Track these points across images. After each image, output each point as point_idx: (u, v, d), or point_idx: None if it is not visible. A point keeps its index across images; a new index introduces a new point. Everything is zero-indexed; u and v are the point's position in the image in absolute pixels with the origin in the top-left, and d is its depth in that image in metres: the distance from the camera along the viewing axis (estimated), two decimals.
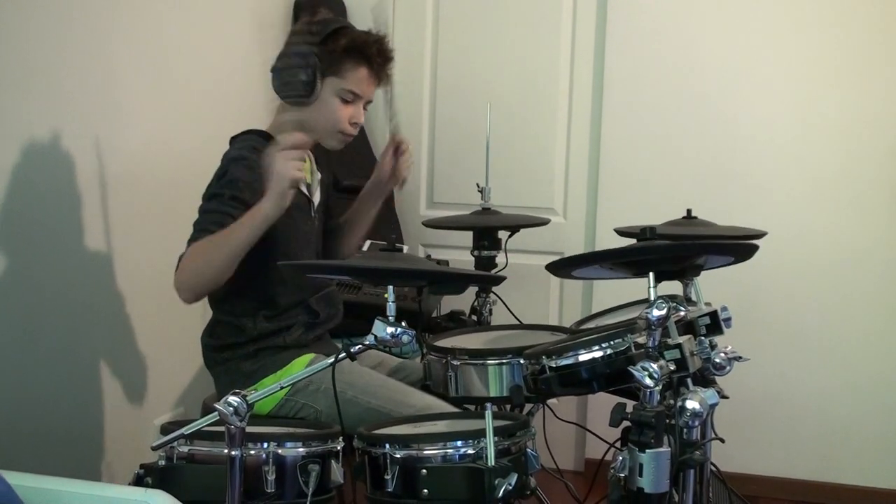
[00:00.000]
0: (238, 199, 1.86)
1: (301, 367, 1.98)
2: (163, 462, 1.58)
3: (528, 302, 2.85)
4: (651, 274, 1.51)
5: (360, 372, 1.99)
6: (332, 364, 1.49)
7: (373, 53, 2.00)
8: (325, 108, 2.00)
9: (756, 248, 1.63)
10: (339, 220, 2.33)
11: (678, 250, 1.62)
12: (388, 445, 1.58)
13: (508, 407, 2.14)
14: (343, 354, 1.49)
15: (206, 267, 1.80)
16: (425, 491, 1.54)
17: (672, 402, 1.48)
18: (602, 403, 1.71)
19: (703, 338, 1.66)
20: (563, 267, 1.62)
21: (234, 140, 2.07)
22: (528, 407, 2.14)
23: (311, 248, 2.10)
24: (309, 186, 2.10)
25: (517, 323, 2.44)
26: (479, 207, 2.65)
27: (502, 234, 2.62)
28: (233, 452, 1.41)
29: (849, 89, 2.98)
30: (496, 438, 1.53)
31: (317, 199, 2.14)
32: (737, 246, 1.74)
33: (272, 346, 2.00)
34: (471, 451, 1.56)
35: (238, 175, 1.88)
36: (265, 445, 1.56)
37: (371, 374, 2.04)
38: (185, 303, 1.84)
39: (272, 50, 2.09)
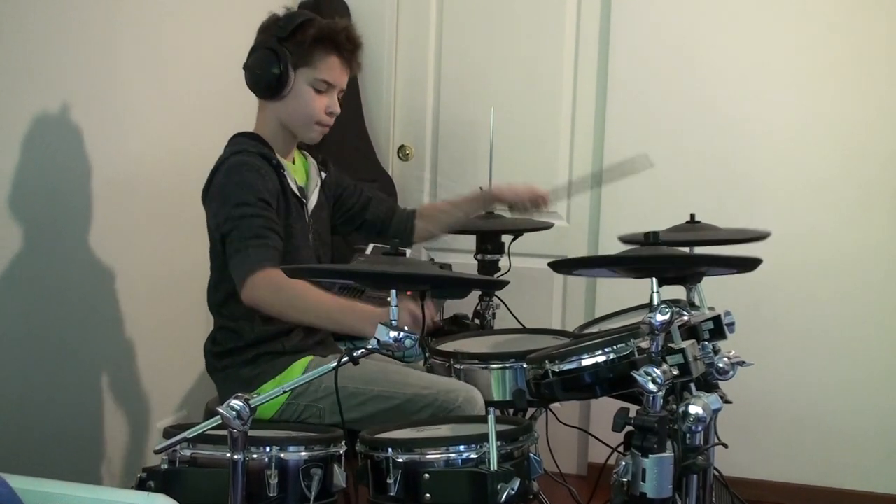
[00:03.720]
0: (264, 201, 1.92)
1: (300, 370, 1.98)
2: (165, 466, 1.58)
3: (531, 306, 2.85)
4: (654, 278, 1.51)
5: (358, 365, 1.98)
6: (335, 368, 1.48)
7: (342, 41, 2.02)
8: (300, 99, 2.02)
9: (759, 262, 1.62)
10: (422, 208, 2.43)
11: (679, 262, 1.62)
12: (390, 449, 1.58)
13: (511, 411, 2.14)
14: (346, 359, 1.48)
15: (283, 312, 1.87)
16: (428, 495, 1.54)
17: (675, 406, 1.48)
18: (605, 408, 1.71)
19: (706, 342, 1.65)
20: (566, 267, 1.62)
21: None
22: (530, 411, 2.14)
23: (308, 252, 2.09)
24: (303, 189, 2.10)
25: (520, 327, 2.44)
26: (483, 211, 2.64)
27: (505, 238, 2.62)
28: (235, 456, 1.41)
29: (851, 92, 2.98)
30: (499, 443, 1.53)
31: (312, 202, 2.13)
32: (739, 260, 1.72)
33: (271, 352, 2.00)
34: (473, 456, 1.56)
35: (250, 179, 1.92)
36: (268, 449, 1.56)
37: (368, 363, 2.03)
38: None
39: None
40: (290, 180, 2.05)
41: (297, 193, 2.07)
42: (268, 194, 1.94)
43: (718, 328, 1.73)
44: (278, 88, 1.99)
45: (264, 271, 1.83)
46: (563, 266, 1.61)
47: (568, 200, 2.47)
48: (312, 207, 2.13)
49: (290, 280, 1.81)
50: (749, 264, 1.61)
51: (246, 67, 2.03)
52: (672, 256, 1.59)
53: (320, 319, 1.89)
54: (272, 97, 2.02)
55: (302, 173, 2.15)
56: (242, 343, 2.00)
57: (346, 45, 2.03)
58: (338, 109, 2.07)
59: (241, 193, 1.91)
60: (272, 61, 1.98)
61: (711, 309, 1.82)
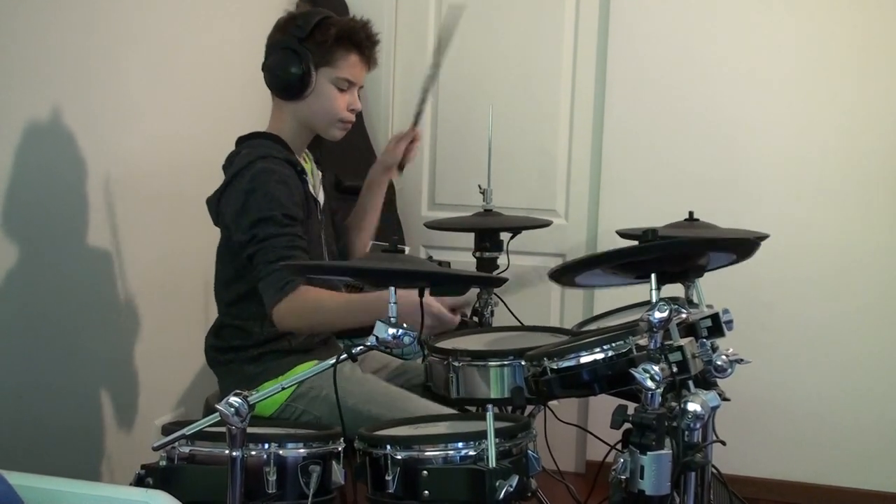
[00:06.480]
0: (290, 217, 1.90)
1: (304, 371, 1.98)
2: (164, 462, 1.58)
3: (529, 303, 2.84)
4: (653, 276, 1.51)
5: (360, 380, 1.99)
6: (334, 365, 1.49)
7: (362, 39, 2.03)
8: (323, 98, 2.02)
9: (758, 244, 1.62)
10: (346, 221, 2.35)
11: (679, 248, 1.62)
12: (389, 446, 1.58)
13: (510, 408, 2.14)
14: (344, 355, 1.49)
15: (313, 326, 1.94)
16: (426, 492, 1.54)
17: (673, 404, 1.48)
18: (603, 405, 1.71)
19: (704, 340, 1.65)
20: (566, 274, 1.62)
21: (241, 142, 2.07)
22: (529, 408, 2.14)
23: (320, 250, 2.10)
24: (313, 187, 2.10)
25: (518, 324, 2.44)
26: (481, 209, 2.64)
27: (504, 236, 2.62)
28: (234, 453, 1.41)
29: (849, 91, 2.98)
30: (497, 440, 1.53)
31: (321, 198, 2.14)
32: (737, 243, 1.73)
33: (276, 351, 1.99)
34: (472, 453, 1.56)
35: (277, 193, 1.90)
36: (266, 446, 1.56)
37: (372, 380, 2.04)
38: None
39: None
40: (309, 184, 2.05)
41: (314, 195, 2.08)
42: (293, 208, 1.92)
43: (717, 326, 1.73)
44: (301, 89, 1.98)
45: (286, 299, 1.84)
46: (563, 274, 1.61)
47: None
48: (322, 205, 2.14)
49: (310, 300, 1.85)
50: (747, 249, 1.61)
51: (265, 68, 2.01)
52: (671, 243, 1.58)
53: (348, 324, 1.93)
54: (294, 97, 2.01)
55: (309, 170, 2.15)
56: (249, 342, 1.99)
57: (366, 43, 2.04)
58: (359, 106, 2.08)
59: (265, 208, 1.88)
60: (294, 61, 1.97)
61: (710, 306, 1.82)
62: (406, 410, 1.92)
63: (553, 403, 2.22)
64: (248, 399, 1.39)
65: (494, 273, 2.57)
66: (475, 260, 2.62)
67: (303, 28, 1.97)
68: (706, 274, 1.75)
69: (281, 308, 1.84)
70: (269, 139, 2.03)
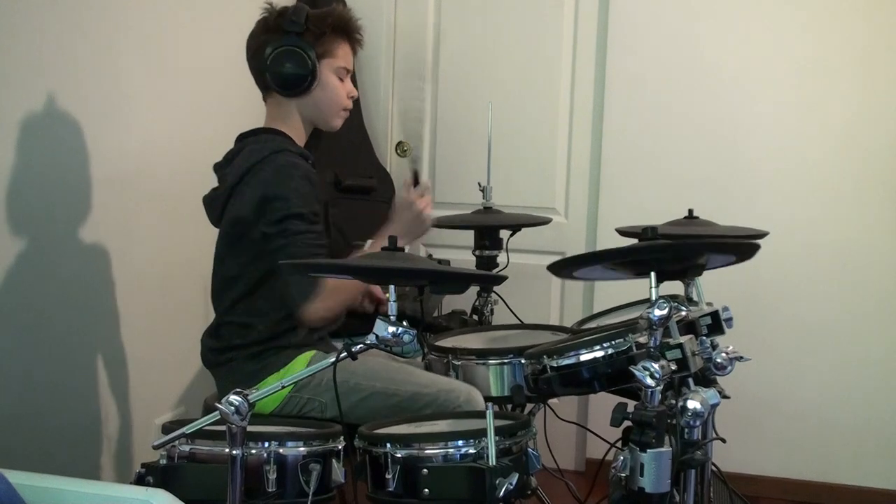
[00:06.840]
0: (316, 214, 1.94)
1: (302, 364, 1.98)
2: (164, 461, 1.59)
3: (529, 302, 2.84)
4: (653, 274, 1.51)
5: (360, 358, 1.98)
6: (334, 363, 1.49)
7: (353, 27, 2.08)
8: (328, 90, 2.05)
9: (758, 247, 1.63)
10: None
11: (679, 249, 1.63)
12: (389, 445, 1.58)
13: (510, 406, 2.14)
14: (344, 354, 1.49)
15: (340, 308, 1.98)
16: (426, 490, 1.54)
17: (673, 401, 1.48)
18: (603, 403, 1.71)
19: (704, 338, 1.65)
20: (565, 267, 1.62)
21: (243, 138, 2.07)
22: (529, 406, 2.15)
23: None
24: None
25: (518, 323, 2.45)
26: (481, 207, 2.65)
27: (504, 234, 2.62)
28: (234, 452, 1.41)
29: (850, 89, 2.98)
30: (497, 438, 1.53)
31: None
32: (738, 245, 1.73)
33: (275, 347, 1.99)
34: (472, 451, 1.55)
35: (304, 189, 1.92)
36: (266, 445, 1.56)
37: (370, 359, 2.04)
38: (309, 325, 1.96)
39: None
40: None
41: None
42: (316, 206, 1.94)
43: (717, 323, 1.74)
44: (309, 84, 2.00)
45: (317, 300, 1.89)
46: (563, 268, 1.61)
47: None
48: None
49: (329, 290, 1.89)
50: (748, 250, 1.62)
51: (264, 68, 2.00)
52: (671, 245, 1.59)
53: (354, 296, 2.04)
54: (301, 93, 2.01)
55: None
56: (249, 340, 1.99)
57: (357, 30, 2.08)
58: (356, 93, 2.12)
59: (295, 204, 1.89)
60: (299, 57, 1.98)
61: (710, 304, 1.82)
62: (409, 381, 1.93)
63: (553, 401, 2.22)
64: (248, 398, 1.39)
65: (494, 271, 2.57)
66: (475, 258, 2.62)
67: (297, 23, 1.98)
68: (706, 272, 1.75)
69: (312, 308, 1.89)
70: (279, 135, 2.04)
